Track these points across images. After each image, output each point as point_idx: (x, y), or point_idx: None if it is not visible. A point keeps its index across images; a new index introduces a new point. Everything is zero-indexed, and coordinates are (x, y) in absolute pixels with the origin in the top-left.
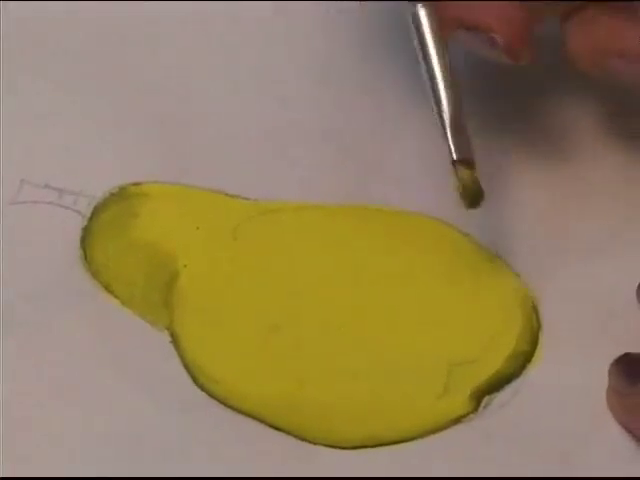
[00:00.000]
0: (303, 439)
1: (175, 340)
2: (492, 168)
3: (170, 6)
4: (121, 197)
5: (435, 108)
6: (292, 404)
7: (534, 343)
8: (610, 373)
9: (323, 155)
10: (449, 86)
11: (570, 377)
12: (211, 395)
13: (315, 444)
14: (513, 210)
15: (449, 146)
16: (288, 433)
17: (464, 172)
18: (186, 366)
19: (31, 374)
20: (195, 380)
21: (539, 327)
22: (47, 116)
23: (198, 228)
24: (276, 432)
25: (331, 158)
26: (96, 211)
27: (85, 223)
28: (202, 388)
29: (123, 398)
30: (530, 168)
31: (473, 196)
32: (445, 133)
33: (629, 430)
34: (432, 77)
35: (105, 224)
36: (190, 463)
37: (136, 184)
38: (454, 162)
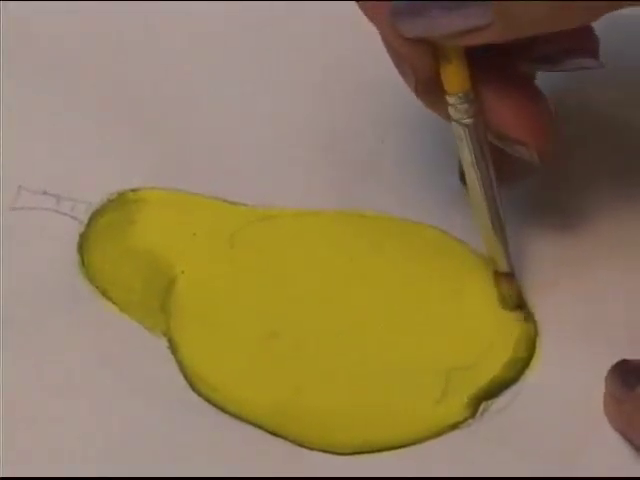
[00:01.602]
0: (301, 445)
1: (173, 346)
2: None
3: (169, 10)
4: (119, 203)
5: (489, 221)
6: (290, 410)
7: (532, 349)
8: (607, 379)
9: (321, 162)
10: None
11: (567, 383)
12: (209, 401)
13: (313, 450)
14: (509, 217)
15: (504, 259)
16: (286, 439)
17: (511, 285)
18: (183, 372)
19: (29, 379)
20: (192, 386)
21: (536, 333)
22: (45, 122)
23: (195, 234)
24: (274, 438)
25: (329, 165)
26: (93, 217)
27: (82, 229)
28: (199, 394)
29: (120, 404)
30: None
31: (517, 305)
32: (501, 246)
33: (626, 436)
34: (489, 191)
35: (103, 230)
36: (188, 469)
37: (134, 190)
38: (500, 274)
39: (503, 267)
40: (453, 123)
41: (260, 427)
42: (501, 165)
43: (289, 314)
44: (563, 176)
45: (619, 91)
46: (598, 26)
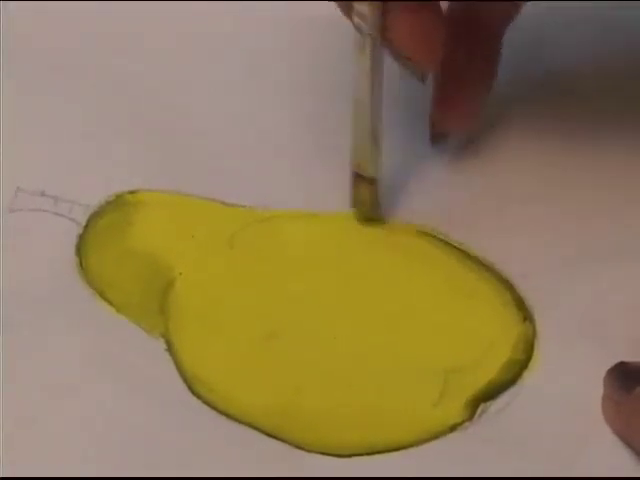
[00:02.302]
0: (299, 447)
1: (171, 348)
2: (486, 175)
3: (169, 11)
4: (117, 205)
5: (370, 128)
6: (288, 412)
7: (530, 351)
8: (605, 381)
9: (320, 163)
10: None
11: (566, 385)
12: (207, 403)
13: (311, 451)
14: (507, 219)
15: (375, 165)
16: (284, 441)
17: (371, 190)
18: (182, 374)
19: (27, 380)
20: (191, 388)
21: (534, 335)
22: (43, 124)
23: (194, 236)
24: (272, 439)
25: (328, 166)
26: (92, 219)
27: (80, 231)
28: (198, 396)
29: (118, 405)
30: (524, 174)
31: (371, 212)
32: (375, 153)
33: (623, 438)
34: (377, 101)
35: (101, 232)
36: (186, 470)
37: (132, 192)
38: (362, 177)
39: (371, 172)
40: (356, 32)
41: (258, 429)
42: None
43: (288, 315)
44: (562, 175)
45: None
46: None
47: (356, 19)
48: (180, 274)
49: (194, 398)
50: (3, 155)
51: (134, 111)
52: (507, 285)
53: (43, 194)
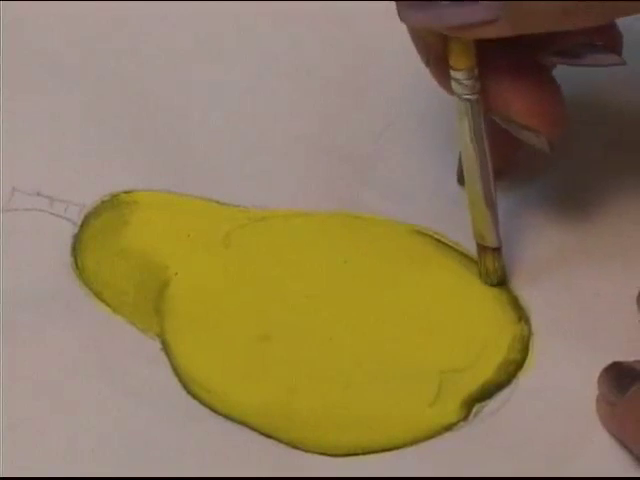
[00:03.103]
0: (294, 447)
1: (166, 348)
2: None
3: (168, 11)
4: (112, 205)
5: (482, 196)
6: (283, 412)
7: (525, 351)
8: (599, 382)
9: (315, 163)
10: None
11: (560, 385)
12: (202, 402)
13: (306, 452)
14: (503, 218)
15: (494, 234)
16: (279, 440)
17: (498, 260)
18: (177, 374)
19: (23, 380)
20: (186, 388)
21: (530, 335)
22: (39, 124)
23: (189, 236)
24: (268, 439)
25: (323, 166)
26: (87, 219)
27: (76, 231)
28: (193, 396)
29: (114, 405)
30: (523, 174)
31: (501, 280)
32: (492, 221)
33: (618, 439)
34: (484, 166)
35: (96, 232)
36: (181, 469)
37: (127, 192)
38: (487, 248)
39: (492, 242)
40: (455, 98)
41: (253, 428)
42: (505, 157)
43: (283, 316)
44: (561, 175)
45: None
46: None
47: (454, 85)
48: (175, 274)
49: (190, 398)
50: None
51: (130, 111)
52: (503, 285)
53: (39, 194)
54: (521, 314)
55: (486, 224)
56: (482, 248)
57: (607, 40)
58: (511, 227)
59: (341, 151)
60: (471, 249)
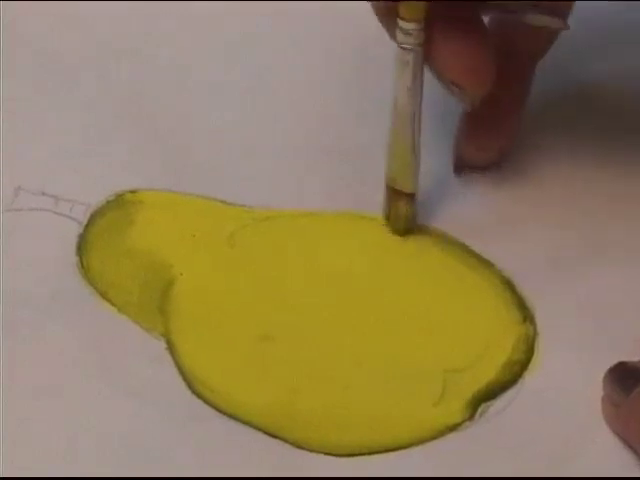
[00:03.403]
0: (298, 446)
1: (171, 347)
2: (487, 175)
3: (169, 11)
4: (117, 204)
5: (410, 143)
6: (287, 412)
7: (530, 352)
8: (604, 382)
9: (319, 163)
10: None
11: (566, 385)
12: (207, 402)
13: (310, 451)
14: (506, 218)
15: (413, 180)
16: (283, 440)
17: (411, 205)
18: (182, 373)
19: (28, 379)
20: (191, 387)
21: (535, 335)
22: (44, 123)
23: (194, 236)
24: (272, 439)
25: (326, 166)
26: (92, 218)
27: (81, 230)
28: (198, 395)
29: (119, 404)
30: (525, 174)
31: (408, 227)
32: (414, 168)
33: (623, 438)
34: (416, 117)
35: (101, 231)
36: (186, 469)
37: (132, 192)
38: (401, 192)
39: (410, 188)
40: (398, 47)
41: (258, 428)
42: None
43: (287, 315)
44: (564, 176)
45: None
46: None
47: (400, 35)
48: (180, 274)
49: (194, 397)
50: (4, 154)
51: (134, 110)
52: (508, 285)
53: (44, 193)
54: (526, 314)
55: (407, 170)
56: (395, 192)
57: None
58: (513, 227)
59: (344, 151)
60: (474, 247)
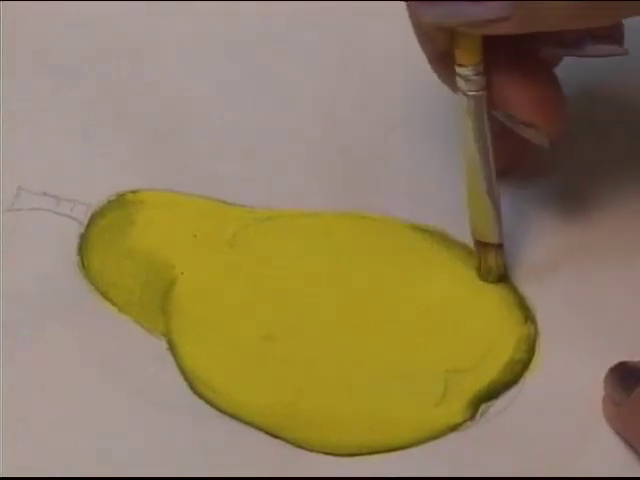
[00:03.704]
0: (301, 446)
1: (172, 347)
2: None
3: (169, 11)
4: (118, 204)
5: (485, 192)
6: (289, 412)
7: (531, 351)
8: (605, 382)
9: (320, 163)
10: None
11: (567, 385)
12: (208, 402)
13: (311, 451)
14: (508, 218)
15: (496, 230)
16: (286, 440)
17: (499, 256)
18: (183, 373)
19: (29, 379)
20: (192, 388)
21: (536, 335)
22: (45, 123)
23: (195, 236)
24: (274, 439)
25: (327, 166)
26: (93, 218)
27: (82, 230)
28: (199, 395)
29: (120, 405)
30: (526, 175)
31: (500, 277)
32: (494, 218)
33: (624, 438)
34: (486, 164)
35: (102, 231)
36: (187, 469)
37: (133, 192)
38: (488, 245)
39: (495, 239)
40: (459, 95)
41: (259, 428)
42: (512, 158)
43: (289, 315)
44: (565, 174)
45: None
46: None
47: (460, 82)
48: (182, 274)
49: (195, 397)
50: (5, 155)
51: (136, 111)
52: (509, 285)
53: (45, 193)
54: (527, 314)
55: (489, 221)
56: (483, 245)
57: (608, 30)
58: (516, 227)
59: (346, 151)
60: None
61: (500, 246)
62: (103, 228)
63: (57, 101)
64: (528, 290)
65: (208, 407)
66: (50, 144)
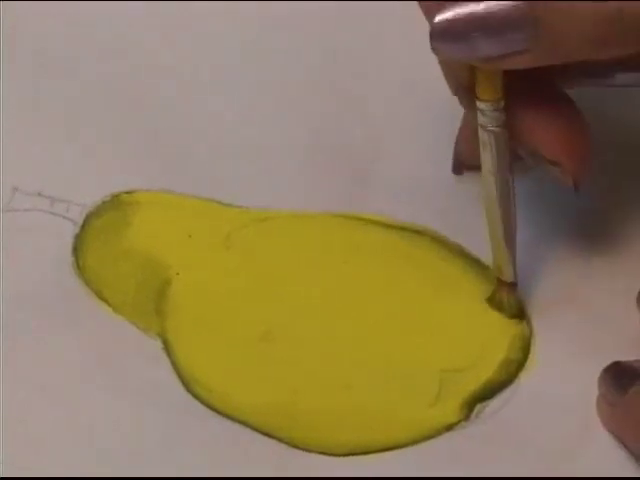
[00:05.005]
0: (296, 446)
1: (168, 347)
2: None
3: (169, 12)
4: (113, 205)
5: (501, 231)
6: (285, 412)
7: (526, 351)
8: (599, 382)
9: (316, 164)
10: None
11: (562, 384)
12: (204, 402)
13: (307, 451)
14: None
15: (510, 269)
16: (280, 440)
17: (512, 295)
18: (178, 373)
19: (24, 380)
20: (187, 387)
21: (531, 335)
22: (40, 124)
23: (190, 236)
24: (269, 439)
25: (323, 167)
26: (88, 219)
27: (77, 231)
28: (194, 395)
29: (115, 405)
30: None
31: (514, 314)
32: (509, 257)
33: (618, 438)
34: (505, 202)
35: (97, 232)
36: (183, 469)
37: (129, 192)
38: (503, 282)
39: (508, 277)
40: (479, 129)
41: (254, 428)
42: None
43: (284, 316)
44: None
45: None
46: None
47: (480, 116)
48: (177, 274)
49: (191, 397)
50: (0, 155)
51: (131, 111)
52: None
53: (40, 194)
54: (522, 313)
55: (503, 257)
56: (499, 281)
57: (636, 58)
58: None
59: (342, 152)
60: (471, 248)
61: (513, 285)
62: (98, 229)
63: (53, 102)
64: (523, 289)
65: (203, 407)
66: (45, 145)
